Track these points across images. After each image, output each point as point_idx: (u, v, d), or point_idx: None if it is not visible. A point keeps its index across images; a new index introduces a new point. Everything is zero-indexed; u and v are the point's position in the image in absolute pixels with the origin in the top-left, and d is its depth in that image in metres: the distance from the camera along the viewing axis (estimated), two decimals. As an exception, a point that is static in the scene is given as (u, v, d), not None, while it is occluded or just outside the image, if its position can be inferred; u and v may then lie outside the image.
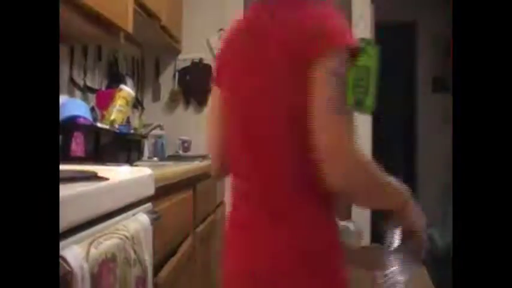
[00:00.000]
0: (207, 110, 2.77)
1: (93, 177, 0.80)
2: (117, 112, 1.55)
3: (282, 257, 0.81)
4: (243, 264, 0.86)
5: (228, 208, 2.70)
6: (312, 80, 0.78)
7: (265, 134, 0.84)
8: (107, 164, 1.33)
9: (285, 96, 0.81)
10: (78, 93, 1.87)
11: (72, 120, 1.38)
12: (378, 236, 2.96)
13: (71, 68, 1.80)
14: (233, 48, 0.93)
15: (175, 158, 2.37)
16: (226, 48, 0.96)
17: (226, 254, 0.92)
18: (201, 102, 2.78)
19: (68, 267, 0.57)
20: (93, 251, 0.63)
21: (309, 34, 0.80)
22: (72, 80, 1.81)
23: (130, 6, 1.63)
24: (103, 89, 2.08)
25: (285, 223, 0.82)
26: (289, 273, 0.80)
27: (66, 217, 0.61)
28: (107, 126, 1.44)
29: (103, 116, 1.58)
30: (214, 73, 1.00)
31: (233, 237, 0.91)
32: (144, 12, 1.90)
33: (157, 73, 2.81)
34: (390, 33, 3.87)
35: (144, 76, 2.78)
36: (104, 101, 1.75)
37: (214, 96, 1.00)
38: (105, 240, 0.68)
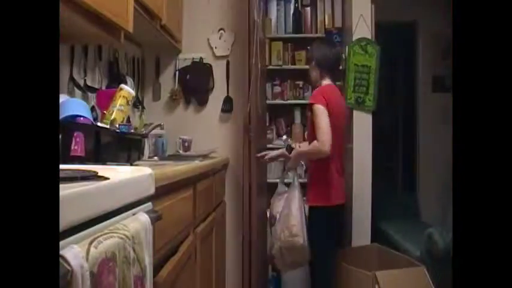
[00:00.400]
0: (207, 109, 2.78)
1: (93, 176, 0.80)
2: (118, 112, 1.55)
3: None
4: None
5: (228, 208, 2.71)
6: None
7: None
8: (107, 163, 1.33)
9: None
10: (78, 92, 1.87)
11: (73, 120, 1.38)
12: (378, 236, 2.96)
13: (71, 68, 1.80)
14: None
15: (176, 157, 2.37)
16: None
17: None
18: (202, 102, 2.78)
19: (68, 267, 0.57)
20: (93, 250, 0.63)
21: None
22: (72, 80, 1.81)
23: (131, 5, 1.63)
24: (103, 88, 2.08)
25: None
26: None
27: (66, 217, 0.61)
28: (107, 126, 1.44)
29: (103, 116, 1.58)
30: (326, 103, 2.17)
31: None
32: (144, 11, 1.90)
33: (158, 72, 2.81)
34: (390, 33, 3.87)
35: (145, 75, 2.78)
36: (104, 101, 1.75)
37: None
38: (105, 240, 0.68)
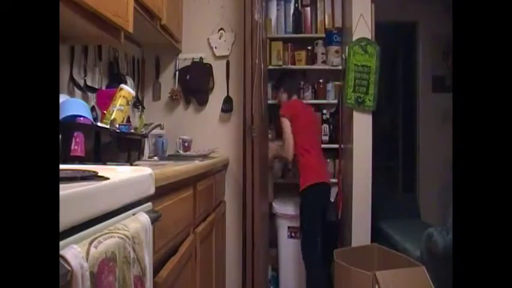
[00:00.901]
0: (207, 109, 2.78)
1: (94, 176, 0.80)
2: (118, 111, 1.55)
3: None
4: None
5: (228, 208, 2.71)
6: None
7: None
8: (107, 163, 1.33)
9: None
10: (78, 92, 1.87)
11: (73, 120, 1.38)
12: (378, 236, 2.96)
13: (71, 68, 1.80)
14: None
15: (176, 157, 2.37)
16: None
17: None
18: (201, 102, 2.78)
19: (68, 267, 0.57)
20: (93, 250, 0.63)
21: None
22: (72, 80, 1.81)
23: (131, 5, 1.63)
24: (103, 88, 2.08)
25: None
26: None
27: (66, 217, 0.61)
28: (107, 126, 1.44)
29: (103, 116, 1.58)
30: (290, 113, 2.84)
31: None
32: (144, 11, 1.90)
33: (158, 72, 2.81)
34: (390, 33, 3.87)
35: (145, 75, 2.78)
36: (104, 101, 1.75)
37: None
38: (105, 240, 0.69)
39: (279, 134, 3.06)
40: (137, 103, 2.63)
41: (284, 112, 2.87)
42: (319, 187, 2.77)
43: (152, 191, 1.04)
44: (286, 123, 2.82)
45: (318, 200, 2.80)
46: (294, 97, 3.07)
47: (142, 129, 2.06)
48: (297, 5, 3.40)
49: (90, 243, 0.64)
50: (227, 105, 2.75)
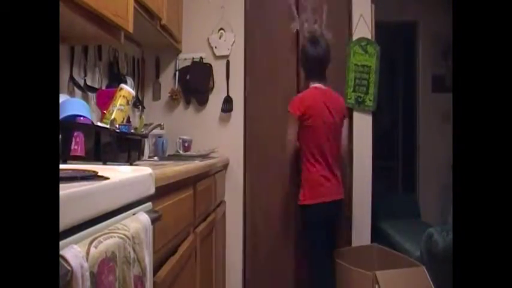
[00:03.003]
0: (207, 109, 2.78)
1: (94, 176, 0.80)
2: (118, 111, 1.55)
3: None
4: None
5: (228, 208, 2.71)
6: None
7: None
8: (107, 163, 1.33)
9: None
10: (78, 92, 1.87)
11: (73, 120, 1.38)
12: (378, 236, 2.96)
13: (71, 68, 1.80)
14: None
15: (176, 157, 2.37)
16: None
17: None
18: (201, 102, 2.78)
19: (68, 266, 0.57)
20: (93, 250, 0.63)
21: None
22: (72, 80, 1.81)
23: (131, 5, 1.63)
24: (103, 88, 2.08)
25: None
26: None
27: (66, 217, 0.61)
28: (107, 126, 1.44)
29: (103, 116, 1.58)
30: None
31: None
32: (144, 11, 1.91)
33: (158, 72, 2.81)
34: (390, 33, 3.87)
35: (145, 75, 2.78)
36: (104, 101, 1.75)
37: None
38: (105, 240, 0.68)
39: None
40: (137, 103, 2.63)
41: (293, 109, 2.25)
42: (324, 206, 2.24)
43: (152, 191, 1.04)
44: (293, 121, 2.25)
45: (322, 220, 2.27)
46: (314, 83, 2.32)
47: (142, 129, 2.06)
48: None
49: (90, 243, 0.64)
50: (227, 105, 2.75)
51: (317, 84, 2.32)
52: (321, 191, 2.23)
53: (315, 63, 2.31)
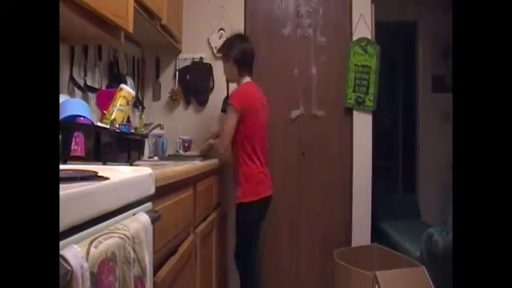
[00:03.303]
0: (207, 109, 2.79)
1: (94, 176, 0.80)
2: (118, 111, 1.55)
3: None
4: None
5: (228, 208, 2.71)
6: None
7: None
8: (107, 163, 1.33)
9: None
10: (78, 92, 1.87)
11: (73, 120, 1.38)
12: (378, 236, 2.96)
13: (71, 68, 1.80)
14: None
15: (176, 157, 2.37)
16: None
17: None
18: (202, 102, 2.78)
19: (68, 267, 0.57)
20: (93, 250, 0.63)
21: None
22: (72, 80, 1.81)
23: (131, 5, 1.63)
24: (103, 88, 2.08)
25: None
26: None
27: (66, 217, 0.61)
28: (107, 126, 1.44)
29: (103, 116, 1.58)
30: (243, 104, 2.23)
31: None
32: (144, 11, 1.90)
33: (158, 72, 2.81)
34: (390, 33, 3.87)
35: (145, 75, 2.78)
36: (104, 101, 1.75)
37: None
38: (105, 240, 0.68)
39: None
40: (137, 103, 2.63)
41: (234, 101, 2.23)
42: (263, 202, 2.31)
43: (152, 191, 1.05)
44: (232, 115, 2.22)
45: (259, 218, 2.35)
46: (247, 78, 2.34)
47: (142, 129, 2.06)
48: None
49: (90, 243, 0.64)
50: (227, 105, 2.75)
51: (249, 79, 2.35)
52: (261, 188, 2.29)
53: (250, 58, 2.35)
